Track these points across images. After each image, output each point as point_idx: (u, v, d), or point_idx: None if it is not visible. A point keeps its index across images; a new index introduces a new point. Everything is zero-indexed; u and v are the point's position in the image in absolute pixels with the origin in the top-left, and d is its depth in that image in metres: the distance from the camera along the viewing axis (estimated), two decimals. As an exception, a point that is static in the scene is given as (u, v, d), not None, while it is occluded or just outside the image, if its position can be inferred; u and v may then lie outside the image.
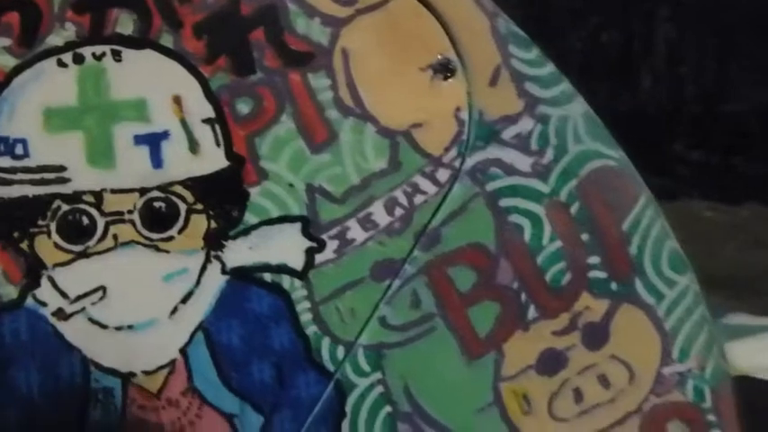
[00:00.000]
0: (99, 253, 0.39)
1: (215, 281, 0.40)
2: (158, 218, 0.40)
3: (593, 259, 0.41)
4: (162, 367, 0.41)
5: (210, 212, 0.40)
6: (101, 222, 0.39)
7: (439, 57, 0.38)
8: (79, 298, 0.40)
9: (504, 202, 0.40)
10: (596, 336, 0.42)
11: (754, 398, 0.56)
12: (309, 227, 0.40)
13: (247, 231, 0.40)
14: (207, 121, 0.38)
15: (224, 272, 0.40)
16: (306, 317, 0.41)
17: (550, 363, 0.42)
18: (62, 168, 0.39)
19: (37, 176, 0.38)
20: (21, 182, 0.38)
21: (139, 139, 0.39)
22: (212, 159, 0.39)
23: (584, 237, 0.40)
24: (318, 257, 0.40)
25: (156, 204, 0.40)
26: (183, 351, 0.41)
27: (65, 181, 0.39)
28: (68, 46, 0.39)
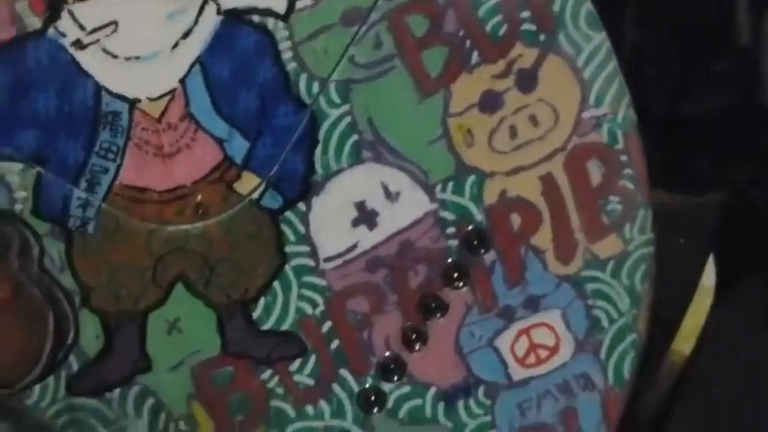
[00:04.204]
0: (113, -9, 0.45)
1: (211, 20, 0.45)
2: (163, -36, 0.46)
3: (525, 14, 0.47)
4: (163, 95, 0.45)
5: (208, -39, 0.46)
6: (114, -36, 0.46)
7: None
8: (95, 30, 0.45)
9: None
10: (528, 80, 0.48)
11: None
12: (290, -22, 0.47)
13: (239, -21, 0.46)
14: None
15: (218, 12, 0.45)
16: (287, 55, 0.46)
17: (490, 102, 0.47)
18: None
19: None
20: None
21: None
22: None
23: (517, -6, 0.47)
24: (298, 4, 0.45)
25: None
26: (182, 81, 0.45)
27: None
28: None
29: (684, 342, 0.58)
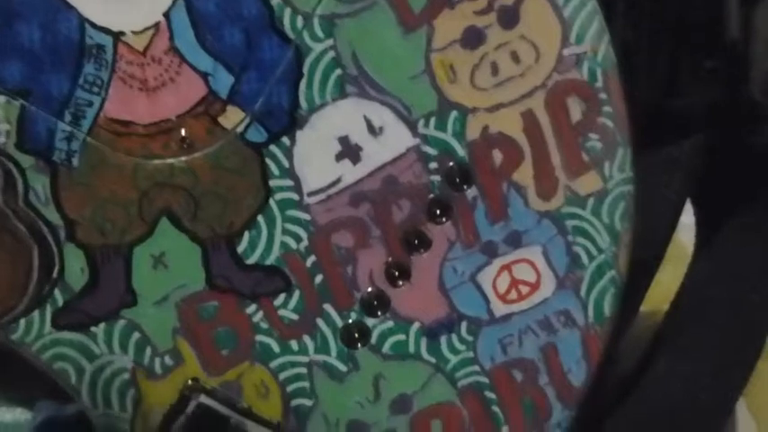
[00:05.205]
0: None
1: (195, -47, 0.47)
2: None
3: (507, -50, 0.48)
4: (147, 28, 0.46)
5: None
6: None
7: None
8: (78, -38, 0.46)
9: None
10: (509, 17, 0.48)
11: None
12: None
13: None
14: None
15: (203, -55, 0.47)
16: (271, -11, 0.47)
17: (472, 38, 0.48)
18: None
19: None
20: None
21: None
22: None
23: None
24: (283, -62, 0.47)
25: None
26: (166, 15, 0.45)
27: None
28: None
29: (664, 302, 0.59)
